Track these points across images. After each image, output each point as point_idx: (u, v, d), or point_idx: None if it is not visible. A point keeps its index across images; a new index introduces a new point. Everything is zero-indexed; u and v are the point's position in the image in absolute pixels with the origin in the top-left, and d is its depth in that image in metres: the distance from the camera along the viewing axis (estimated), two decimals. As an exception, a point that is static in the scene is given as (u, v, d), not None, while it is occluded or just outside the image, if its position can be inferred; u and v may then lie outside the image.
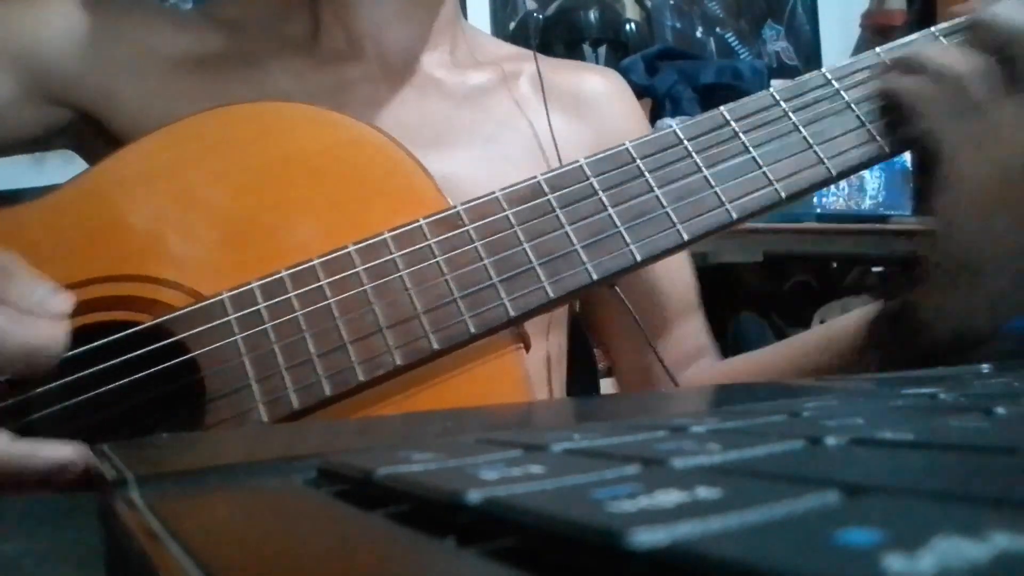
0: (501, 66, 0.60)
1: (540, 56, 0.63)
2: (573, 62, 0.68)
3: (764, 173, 0.42)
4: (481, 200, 0.40)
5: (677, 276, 0.60)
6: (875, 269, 1.68)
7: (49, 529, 0.20)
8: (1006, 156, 0.41)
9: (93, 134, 0.54)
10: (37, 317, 0.32)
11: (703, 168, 0.41)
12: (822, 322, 1.57)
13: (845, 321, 0.51)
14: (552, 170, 0.41)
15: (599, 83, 0.62)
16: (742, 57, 2.12)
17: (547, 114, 0.56)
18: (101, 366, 0.37)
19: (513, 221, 0.40)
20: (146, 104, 0.52)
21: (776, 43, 2.19)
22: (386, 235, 0.39)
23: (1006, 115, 0.41)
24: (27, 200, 0.41)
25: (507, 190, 0.40)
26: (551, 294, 0.39)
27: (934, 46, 0.43)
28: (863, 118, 0.43)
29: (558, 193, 0.40)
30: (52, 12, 0.53)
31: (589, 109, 0.60)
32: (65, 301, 0.34)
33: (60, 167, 0.58)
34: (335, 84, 0.54)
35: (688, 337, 0.60)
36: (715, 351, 0.62)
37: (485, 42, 0.64)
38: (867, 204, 1.65)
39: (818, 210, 1.57)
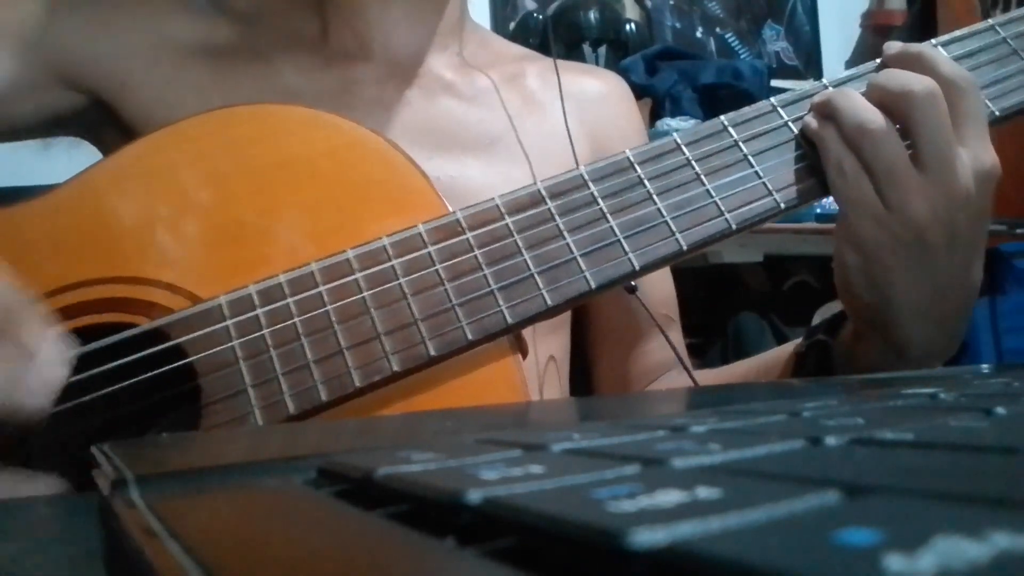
0: (509, 66, 0.60)
1: (544, 57, 0.63)
2: (577, 64, 0.69)
3: (764, 184, 0.42)
4: (480, 207, 0.40)
5: (657, 287, 0.60)
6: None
7: (49, 529, 0.20)
8: (900, 228, 0.40)
9: (104, 121, 0.54)
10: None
11: (703, 177, 0.41)
12: (822, 322, 1.57)
13: (779, 352, 0.52)
14: (552, 178, 0.41)
15: (600, 85, 0.62)
16: (742, 57, 2.12)
17: (564, 114, 0.56)
18: (97, 369, 0.37)
19: (512, 229, 0.40)
20: (158, 92, 0.52)
21: (776, 43, 2.19)
22: (384, 241, 0.39)
23: (902, 184, 0.40)
24: (27, 198, 0.41)
25: (506, 197, 0.40)
26: (549, 302, 0.39)
27: (854, 97, 0.41)
28: None
29: (557, 201, 0.40)
30: None
31: (589, 111, 0.60)
32: (66, 349, 0.32)
33: (65, 152, 0.58)
34: (343, 83, 0.54)
35: (660, 349, 0.60)
36: (690, 366, 0.62)
37: (493, 42, 0.64)
38: (867, 204, 1.64)
39: (818, 210, 1.57)
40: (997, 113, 0.43)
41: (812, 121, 0.42)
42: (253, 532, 0.11)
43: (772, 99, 0.44)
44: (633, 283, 0.51)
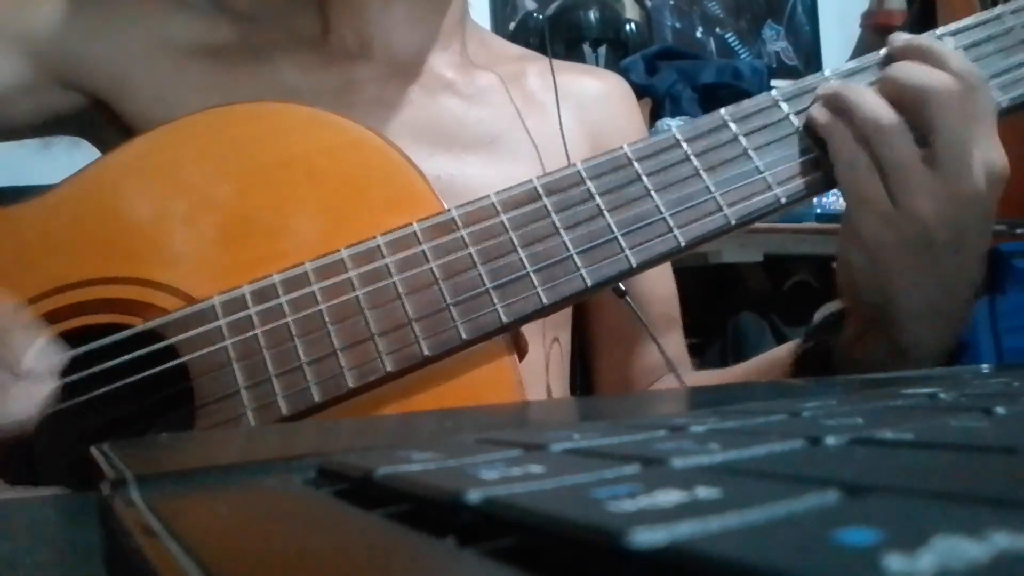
0: (509, 66, 0.60)
1: (543, 57, 0.63)
2: (578, 64, 0.69)
3: (764, 178, 0.41)
4: (476, 204, 0.40)
5: (659, 288, 0.60)
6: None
7: (49, 529, 0.20)
8: (907, 227, 0.39)
9: (104, 121, 0.54)
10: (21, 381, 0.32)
11: (702, 172, 0.41)
12: (822, 322, 1.57)
13: (778, 353, 0.51)
14: (548, 174, 0.41)
15: (601, 86, 0.62)
16: (742, 57, 2.12)
17: (559, 115, 0.56)
18: (91, 370, 0.37)
19: (508, 226, 0.39)
20: (157, 92, 0.52)
21: (776, 43, 2.19)
22: (379, 240, 0.39)
23: (913, 183, 0.39)
24: (28, 198, 0.41)
25: (502, 195, 0.40)
26: (545, 300, 0.38)
27: (867, 92, 0.41)
28: None
29: (554, 198, 0.40)
30: None
31: (590, 111, 0.60)
32: (54, 360, 0.33)
33: (66, 152, 0.58)
34: (343, 82, 0.54)
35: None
36: (690, 366, 0.62)
37: (493, 42, 0.64)
38: (867, 204, 1.64)
39: (818, 210, 1.57)
40: (1005, 104, 0.43)
41: (820, 115, 0.42)
42: (253, 532, 0.11)
43: (773, 92, 0.44)
44: (623, 286, 0.51)
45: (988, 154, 0.40)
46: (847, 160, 0.40)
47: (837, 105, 0.41)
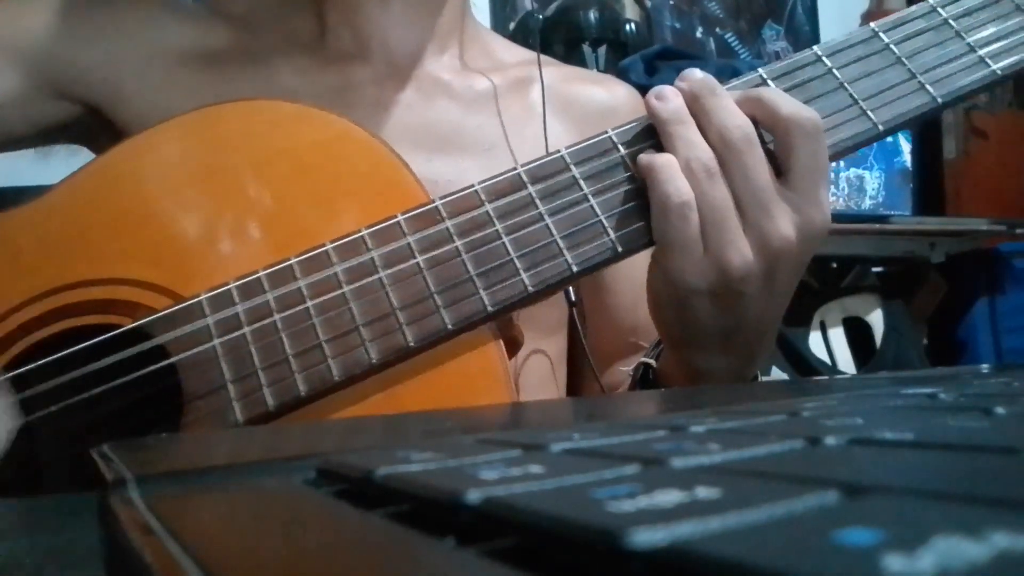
0: (513, 71, 0.60)
1: (557, 63, 0.62)
2: (590, 73, 0.68)
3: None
4: (460, 194, 0.40)
5: (640, 306, 0.60)
6: (875, 269, 1.68)
7: (49, 529, 0.20)
8: (714, 276, 0.38)
9: (100, 129, 0.54)
10: None
11: None
12: (822, 322, 1.57)
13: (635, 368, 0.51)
14: (532, 161, 0.41)
15: (609, 97, 0.61)
16: (742, 57, 2.12)
17: (544, 122, 0.56)
18: (79, 371, 0.37)
19: (492, 215, 0.39)
20: (151, 99, 0.52)
21: (776, 43, 2.19)
22: (363, 232, 0.39)
23: (730, 231, 0.38)
24: (28, 198, 0.41)
25: (486, 183, 0.40)
26: (530, 287, 0.38)
27: (695, 140, 0.39)
28: (856, 96, 0.42)
29: (539, 185, 0.40)
30: (59, 6, 0.53)
31: (593, 122, 0.59)
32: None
33: (65, 160, 0.58)
34: (341, 84, 0.54)
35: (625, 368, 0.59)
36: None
37: (498, 46, 0.63)
38: (867, 204, 1.65)
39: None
40: (881, 127, 0.41)
41: (644, 157, 0.40)
42: (252, 532, 0.11)
43: (760, 70, 0.44)
44: (573, 296, 0.51)
45: (808, 213, 0.39)
46: (662, 201, 0.38)
47: (669, 129, 0.39)
